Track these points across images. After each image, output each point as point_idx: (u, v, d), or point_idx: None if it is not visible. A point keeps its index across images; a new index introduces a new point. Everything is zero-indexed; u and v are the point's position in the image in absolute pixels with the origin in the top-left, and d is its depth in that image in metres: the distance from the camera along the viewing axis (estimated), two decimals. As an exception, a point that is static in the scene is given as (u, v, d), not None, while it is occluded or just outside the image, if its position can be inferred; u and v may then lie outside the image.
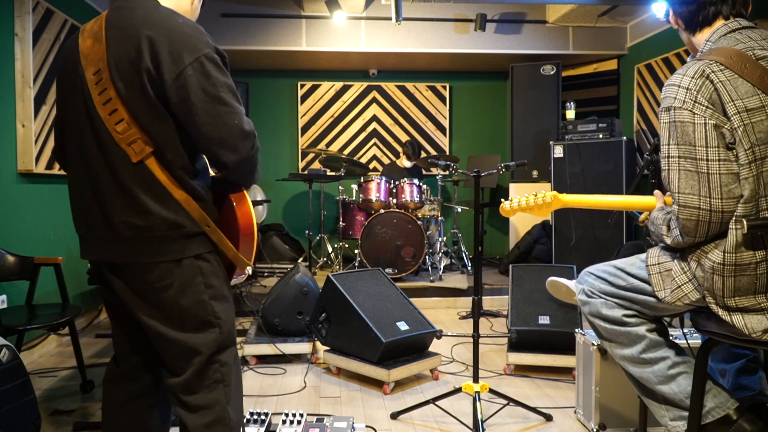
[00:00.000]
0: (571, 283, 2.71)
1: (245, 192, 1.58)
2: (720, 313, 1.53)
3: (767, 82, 1.47)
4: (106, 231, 1.46)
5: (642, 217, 1.92)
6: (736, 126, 1.46)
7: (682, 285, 1.60)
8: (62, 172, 3.86)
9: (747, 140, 1.46)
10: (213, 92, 1.38)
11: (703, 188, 1.49)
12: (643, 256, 1.80)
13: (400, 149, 6.47)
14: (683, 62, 5.20)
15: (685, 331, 2.46)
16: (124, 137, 1.40)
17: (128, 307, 1.53)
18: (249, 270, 1.57)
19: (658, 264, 1.69)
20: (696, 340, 2.27)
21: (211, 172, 1.59)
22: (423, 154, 6.83)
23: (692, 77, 1.51)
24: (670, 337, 1.82)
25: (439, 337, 3.13)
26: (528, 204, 2.01)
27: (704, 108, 1.49)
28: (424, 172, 6.32)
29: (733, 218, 1.49)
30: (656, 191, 1.82)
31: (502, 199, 2.09)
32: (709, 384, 1.67)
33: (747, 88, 1.47)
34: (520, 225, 6.00)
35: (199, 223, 1.46)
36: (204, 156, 1.52)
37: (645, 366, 1.75)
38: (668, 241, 1.62)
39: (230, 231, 1.52)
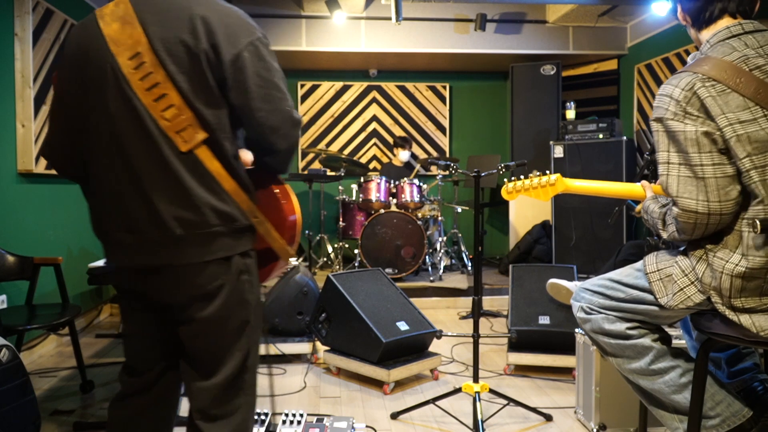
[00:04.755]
0: (571, 285, 2.71)
1: (286, 183, 1.56)
2: (726, 313, 1.53)
3: (762, 95, 1.47)
4: (154, 232, 1.34)
5: (638, 208, 1.92)
6: (728, 137, 1.47)
7: (685, 288, 1.61)
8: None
9: (742, 149, 1.46)
10: (267, 77, 1.35)
11: (701, 193, 1.51)
12: (637, 265, 1.79)
13: (392, 141, 6.47)
14: (683, 62, 5.19)
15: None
16: (172, 124, 1.30)
17: (163, 312, 1.44)
18: (293, 261, 1.53)
19: (658, 270, 1.69)
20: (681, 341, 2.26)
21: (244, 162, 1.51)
22: (418, 150, 6.83)
23: (683, 89, 1.53)
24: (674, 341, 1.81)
25: (439, 337, 3.12)
26: (532, 185, 1.99)
27: (695, 117, 1.51)
28: (424, 171, 6.31)
29: (744, 219, 1.50)
30: (643, 181, 1.84)
31: (506, 179, 2.06)
32: (723, 393, 1.67)
33: (738, 102, 1.47)
34: (520, 225, 5.99)
35: (248, 214, 1.40)
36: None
37: (656, 377, 1.73)
38: (664, 235, 1.65)
39: (276, 222, 1.47)
